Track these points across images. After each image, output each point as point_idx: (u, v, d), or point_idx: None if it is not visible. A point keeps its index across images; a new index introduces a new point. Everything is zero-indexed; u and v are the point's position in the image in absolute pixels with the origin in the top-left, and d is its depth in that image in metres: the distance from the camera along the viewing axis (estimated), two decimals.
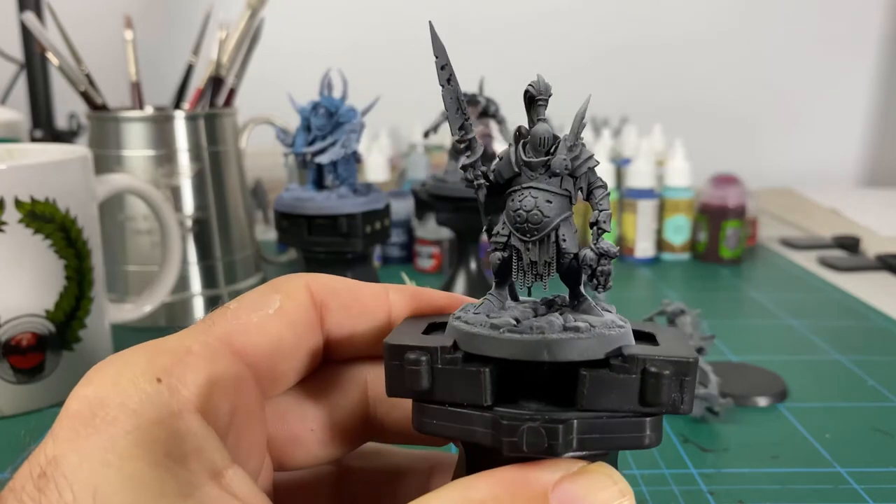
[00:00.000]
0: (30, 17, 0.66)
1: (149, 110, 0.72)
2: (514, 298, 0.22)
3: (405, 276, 0.51)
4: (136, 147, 0.66)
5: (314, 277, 0.22)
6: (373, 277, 0.57)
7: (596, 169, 0.21)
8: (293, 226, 0.53)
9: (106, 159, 0.65)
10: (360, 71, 0.71)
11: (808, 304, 0.72)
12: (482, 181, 0.22)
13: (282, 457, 0.23)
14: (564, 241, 0.21)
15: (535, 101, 0.22)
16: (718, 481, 0.41)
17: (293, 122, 0.56)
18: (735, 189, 0.87)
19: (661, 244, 0.89)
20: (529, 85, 0.22)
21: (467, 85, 0.55)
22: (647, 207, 0.87)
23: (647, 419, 0.19)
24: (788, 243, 0.95)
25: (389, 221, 0.56)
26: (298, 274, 0.22)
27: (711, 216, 0.86)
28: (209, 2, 0.74)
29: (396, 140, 1.25)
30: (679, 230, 0.88)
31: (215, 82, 0.70)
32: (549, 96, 0.22)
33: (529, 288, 0.22)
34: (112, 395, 0.18)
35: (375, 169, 0.94)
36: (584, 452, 0.19)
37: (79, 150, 0.54)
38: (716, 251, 0.87)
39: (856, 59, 1.41)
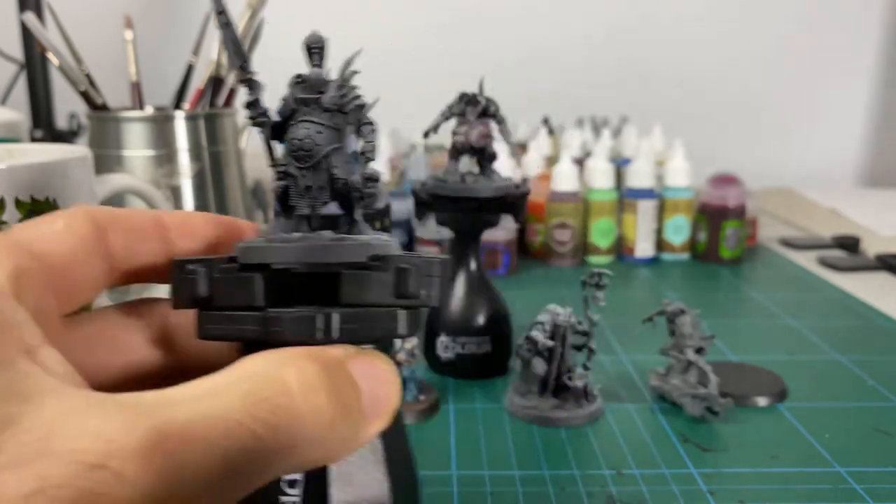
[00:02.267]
0: (30, 17, 0.66)
1: (149, 110, 0.72)
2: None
3: None
4: (137, 147, 0.66)
5: (90, 206, 0.23)
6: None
7: (366, 110, 0.24)
8: None
9: (106, 159, 0.65)
10: (360, 71, 0.71)
11: (808, 304, 0.72)
12: (265, 119, 0.24)
13: (90, 379, 0.23)
14: (336, 168, 0.23)
15: (309, 49, 0.24)
16: (718, 481, 0.41)
17: None
18: (735, 189, 0.87)
19: (660, 244, 0.89)
20: (306, 37, 0.24)
21: (467, 85, 0.55)
22: (646, 207, 0.87)
23: (401, 312, 0.21)
24: (788, 243, 0.95)
25: (390, 221, 0.56)
26: (76, 205, 0.24)
27: (711, 216, 0.86)
28: (209, 2, 0.74)
29: (396, 140, 1.25)
30: (679, 230, 0.88)
31: (215, 82, 0.70)
32: (322, 46, 0.24)
33: (308, 216, 0.24)
34: None
35: (375, 164, 0.94)
36: (347, 343, 0.21)
37: (79, 150, 0.54)
38: (715, 251, 0.87)
39: (855, 59, 1.41)
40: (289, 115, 0.24)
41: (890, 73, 1.41)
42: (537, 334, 0.48)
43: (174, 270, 0.22)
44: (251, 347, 0.20)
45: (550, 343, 0.48)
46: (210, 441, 0.16)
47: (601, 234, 0.87)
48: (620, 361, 0.58)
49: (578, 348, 0.50)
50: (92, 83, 0.68)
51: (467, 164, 0.57)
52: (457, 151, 0.54)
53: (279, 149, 0.25)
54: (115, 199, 0.63)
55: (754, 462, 0.43)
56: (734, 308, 0.72)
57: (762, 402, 0.51)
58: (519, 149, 1.16)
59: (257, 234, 0.26)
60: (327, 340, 0.20)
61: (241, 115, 0.74)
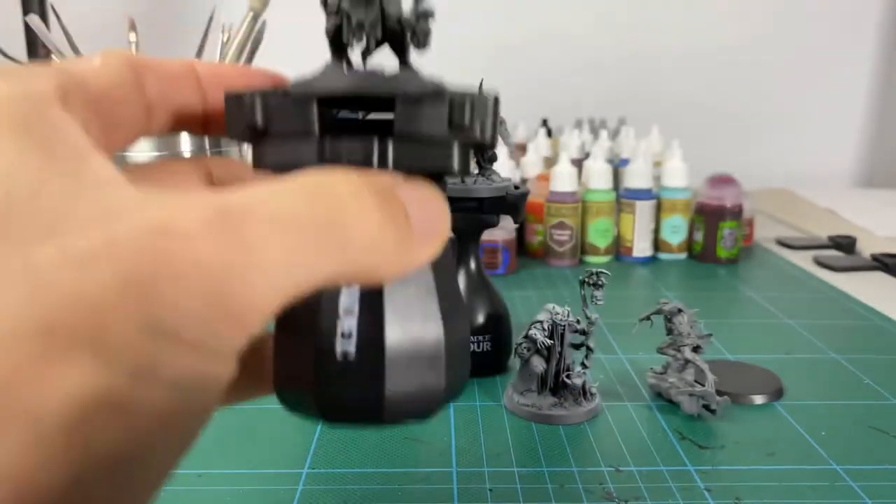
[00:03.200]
0: (34, 19, 0.66)
1: None
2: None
3: None
4: (139, 148, 0.66)
5: (126, 50, 0.23)
6: None
7: None
8: None
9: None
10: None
11: (805, 304, 0.72)
12: None
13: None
14: (389, 2, 0.22)
15: None
16: (715, 478, 0.42)
17: None
18: (732, 189, 0.87)
19: (658, 244, 0.90)
20: None
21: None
22: (644, 208, 0.87)
23: (455, 145, 0.21)
24: (785, 243, 0.96)
25: None
26: (111, 48, 0.23)
27: (708, 216, 0.87)
28: (212, 5, 0.75)
29: None
30: (676, 230, 0.89)
31: None
32: None
33: (366, 49, 0.23)
34: None
35: None
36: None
37: None
38: (712, 251, 0.87)
39: (852, 60, 1.41)
40: None
41: (886, 74, 1.41)
42: (536, 333, 0.48)
43: (228, 102, 0.22)
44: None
45: (549, 342, 0.48)
46: (273, 222, 0.16)
47: (599, 234, 0.88)
48: (618, 360, 0.59)
49: (577, 347, 0.50)
50: None
51: None
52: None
53: None
54: None
55: (751, 459, 0.44)
56: (731, 307, 0.73)
57: (759, 400, 0.51)
58: (518, 150, 1.16)
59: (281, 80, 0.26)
60: (381, 169, 0.20)
61: None
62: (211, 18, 0.75)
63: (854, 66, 1.42)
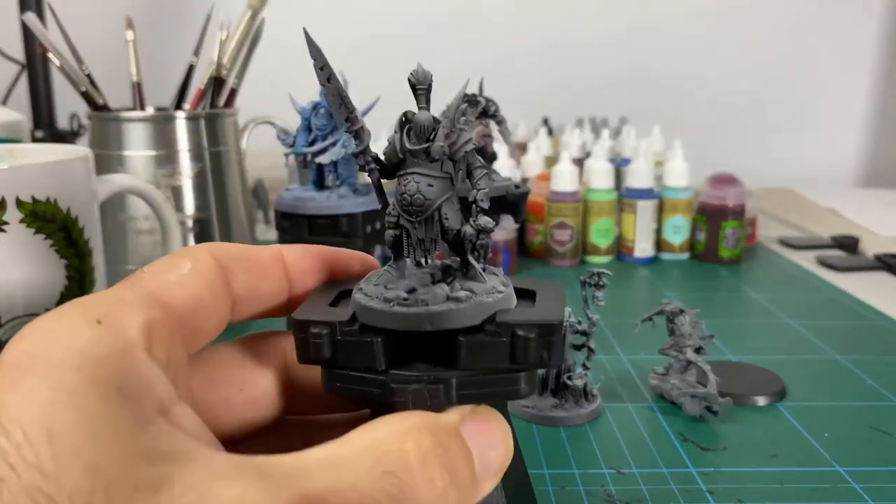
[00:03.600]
0: (31, 17, 0.66)
1: (150, 111, 0.72)
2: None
3: None
4: (138, 147, 0.66)
5: (215, 245, 0.24)
6: None
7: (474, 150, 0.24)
8: (294, 226, 0.53)
9: (107, 159, 0.65)
10: (360, 71, 0.71)
11: (807, 304, 0.72)
12: (374, 166, 0.24)
13: (211, 421, 0.24)
14: (447, 219, 0.23)
15: (415, 89, 0.24)
16: (717, 480, 0.41)
17: (294, 123, 0.56)
18: (734, 189, 0.87)
19: (659, 244, 0.90)
20: (410, 74, 0.24)
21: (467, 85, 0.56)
22: (646, 207, 0.87)
23: (521, 374, 0.22)
24: (787, 243, 0.96)
25: None
26: (200, 245, 0.24)
27: (710, 216, 0.87)
28: (210, 2, 0.75)
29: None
30: (678, 230, 0.88)
31: (216, 83, 0.70)
32: (429, 85, 0.24)
33: (424, 259, 0.24)
34: (52, 341, 0.17)
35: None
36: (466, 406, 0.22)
37: (80, 150, 0.54)
38: (715, 251, 0.87)
39: (855, 59, 1.41)
40: (398, 161, 0.24)
41: (889, 73, 1.41)
42: None
43: (297, 329, 0.22)
44: (373, 402, 0.22)
45: None
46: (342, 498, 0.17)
47: (600, 233, 0.88)
48: (620, 361, 0.58)
49: (578, 348, 0.50)
50: (93, 83, 0.68)
51: None
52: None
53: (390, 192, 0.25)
54: (116, 199, 0.63)
55: (753, 461, 0.43)
56: (733, 308, 0.72)
57: (761, 401, 0.51)
58: (519, 149, 1.16)
59: (367, 266, 0.27)
60: (447, 404, 0.21)
61: (242, 115, 0.75)
62: (209, 16, 0.74)
63: (857, 66, 1.41)
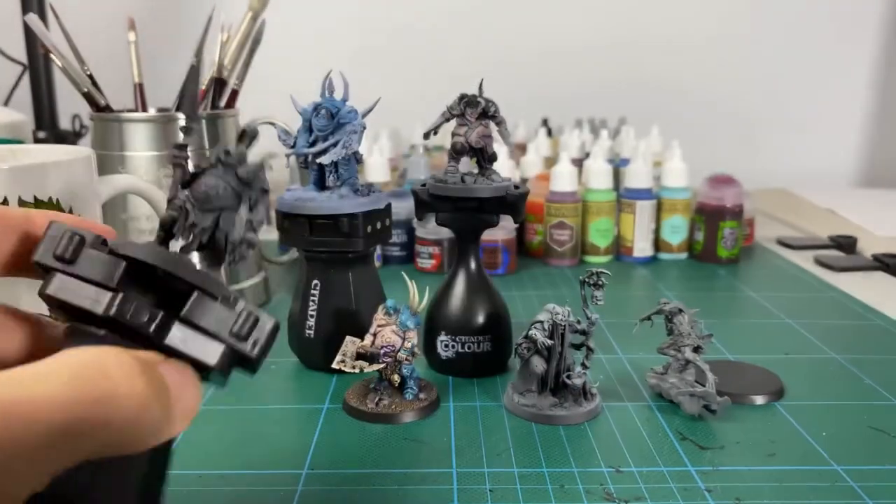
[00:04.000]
0: (33, 18, 0.66)
1: (151, 112, 0.72)
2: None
3: (406, 275, 0.52)
4: (139, 148, 0.66)
5: None
6: (373, 277, 0.57)
7: None
8: (294, 226, 0.54)
9: (109, 160, 0.66)
10: (361, 72, 0.71)
11: (805, 304, 0.72)
12: (182, 161, 0.26)
13: None
14: (224, 221, 0.26)
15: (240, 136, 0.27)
16: (716, 479, 0.42)
17: (295, 124, 0.57)
18: (732, 189, 0.87)
19: (658, 244, 0.90)
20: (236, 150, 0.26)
21: (466, 86, 0.56)
22: (644, 208, 0.87)
23: (223, 350, 0.23)
24: (785, 243, 0.96)
25: (390, 221, 0.57)
26: None
27: (709, 216, 0.87)
28: (211, 4, 0.75)
29: (397, 141, 1.26)
30: (676, 230, 0.89)
31: (217, 84, 0.71)
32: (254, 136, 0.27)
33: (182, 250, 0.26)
34: None
35: (376, 169, 0.95)
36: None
37: (82, 150, 0.54)
38: (713, 251, 0.87)
39: (852, 60, 1.41)
40: (205, 168, 0.26)
41: (886, 74, 1.41)
42: (536, 333, 0.48)
43: (48, 230, 0.24)
44: (78, 334, 0.23)
45: (549, 342, 0.48)
46: (31, 419, 0.17)
47: (599, 233, 0.88)
48: (619, 360, 0.59)
49: (577, 347, 0.50)
50: (95, 84, 0.69)
51: (467, 164, 0.58)
52: (456, 152, 0.55)
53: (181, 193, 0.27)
54: (118, 200, 0.63)
55: (751, 460, 0.44)
56: (731, 307, 0.73)
57: (759, 400, 0.51)
58: (518, 149, 1.16)
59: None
60: (157, 342, 0.23)
61: (243, 116, 0.75)
62: (210, 18, 0.75)
63: (854, 66, 1.42)
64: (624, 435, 0.47)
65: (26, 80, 1.08)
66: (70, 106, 1.07)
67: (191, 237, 0.26)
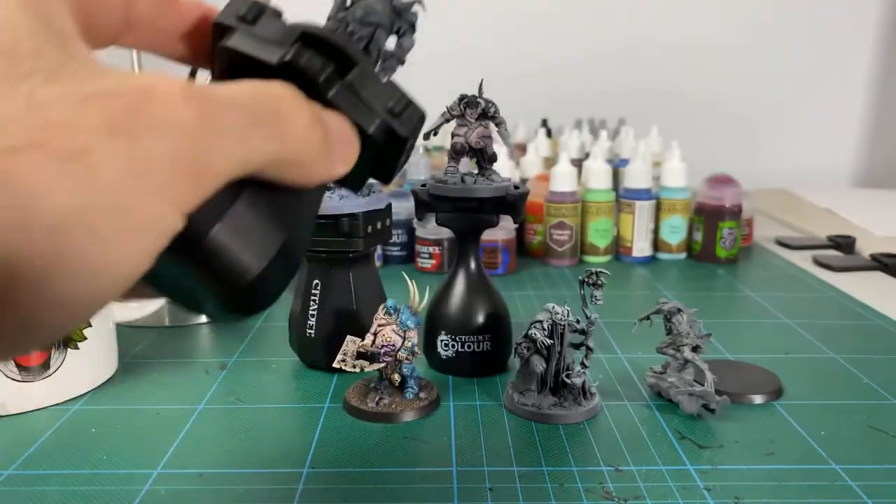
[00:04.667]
0: None
1: None
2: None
3: (406, 275, 0.52)
4: None
5: None
6: (374, 277, 0.58)
7: None
8: None
9: None
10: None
11: (804, 304, 0.72)
12: None
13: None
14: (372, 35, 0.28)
15: None
16: (714, 478, 0.42)
17: None
18: (731, 190, 0.88)
19: (657, 244, 0.90)
20: None
21: (466, 87, 0.56)
22: (643, 208, 0.88)
23: (379, 119, 0.25)
24: (784, 243, 0.96)
25: (391, 221, 0.57)
26: None
27: (708, 216, 0.87)
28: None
29: None
30: (675, 230, 0.89)
31: None
32: None
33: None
34: None
35: None
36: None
37: None
38: (712, 251, 0.87)
39: (851, 61, 1.42)
40: None
41: (884, 75, 1.42)
42: (536, 333, 0.48)
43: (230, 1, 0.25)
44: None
45: (549, 341, 0.48)
46: (232, 102, 0.19)
47: (599, 233, 0.88)
48: (618, 359, 0.59)
49: (576, 346, 0.50)
50: None
51: (467, 164, 0.58)
52: (456, 152, 0.55)
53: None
54: None
55: (750, 459, 0.44)
56: (730, 307, 0.73)
57: (758, 399, 0.51)
58: (518, 150, 1.16)
59: None
60: (321, 96, 0.24)
61: None
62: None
63: (853, 67, 1.42)
64: (623, 434, 0.47)
65: None
66: None
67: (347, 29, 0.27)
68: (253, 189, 0.21)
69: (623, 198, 0.89)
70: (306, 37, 0.24)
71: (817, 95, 1.42)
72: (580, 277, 0.49)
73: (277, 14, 0.25)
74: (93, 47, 0.23)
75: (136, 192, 0.17)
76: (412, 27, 0.29)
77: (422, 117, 0.25)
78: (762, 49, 1.40)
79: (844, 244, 0.93)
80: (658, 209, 0.89)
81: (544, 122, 1.28)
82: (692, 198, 0.90)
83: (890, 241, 0.96)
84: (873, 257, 0.87)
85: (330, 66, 0.24)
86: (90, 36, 0.23)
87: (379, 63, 0.28)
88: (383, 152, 0.26)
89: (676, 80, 1.40)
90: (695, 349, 0.50)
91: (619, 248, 0.90)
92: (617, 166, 1.01)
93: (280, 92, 0.21)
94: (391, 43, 0.28)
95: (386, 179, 0.27)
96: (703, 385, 0.49)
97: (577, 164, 0.97)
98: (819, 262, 0.87)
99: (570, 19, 1.38)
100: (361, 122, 0.24)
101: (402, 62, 0.28)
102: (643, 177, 0.88)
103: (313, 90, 0.24)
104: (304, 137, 0.21)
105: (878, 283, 0.81)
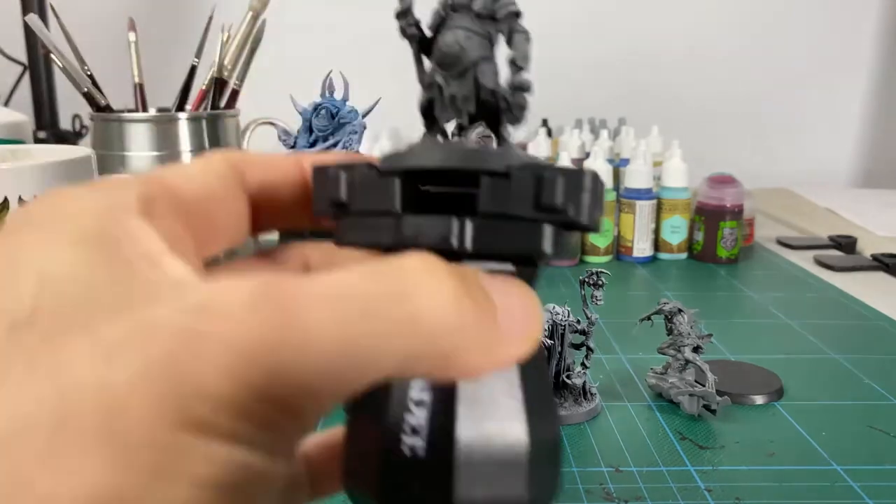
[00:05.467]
0: (34, 18, 0.67)
1: (152, 112, 0.72)
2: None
3: None
4: (140, 148, 0.66)
5: (228, 150, 0.23)
6: None
7: (518, 18, 0.22)
8: None
9: (109, 160, 0.66)
10: (361, 72, 0.71)
11: (805, 304, 0.72)
12: (414, 31, 0.22)
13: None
14: (483, 75, 0.21)
15: None
16: (715, 478, 0.42)
17: (295, 124, 0.57)
18: (732, 189, 0.87)
19: (658, 244, 0.90)
20: None
21: None
22: (644, 208, 0.87)
23: (545, 225, 0.18)
24: (785, 243, 0.96)
25: None
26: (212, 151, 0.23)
27: (708, 216, 0.87)
28: (212, 4, 0.75)
29: (397, 141, 1.26)
30: (676, 230, 0.89)
31: (218, 84, 0.71)
32: None
33: (458, 119, 0.22)
34: (48, 204, 0.17)
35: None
36: (484, 259, 0.19)
37: (82, 150, 0.55)
38: (713, 251, 0.87)
39: (852, 60, 1.41)
40: (438, 25, 0.22)
41: (886, 73, 1.41)
42: None
43: (315, 175, 0.21)
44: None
45: (549, 342, 0.48)
46: (326, 297, 0.15)
47: (599, 233, 0.88)
48: (618, 360, 0.59)
49: (577, 347, 0.50)
50: (95, 85, 0.69)
51: None
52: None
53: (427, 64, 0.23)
54: None
55: (751, 460, 0.44)
56: (731, 307, 0.73)
57: (759, 400, 0.51)
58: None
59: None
60: (461, 251, 0.18)
61: (244, 116, 0.75)
62: (211, 18, 0.75)
63: (854, 66, 1.42)
64: (624, 435, 0.47)
65: (27, 80, 1.08)
66: (70, 106, 1.07)
67: (454, 111, 0.22)
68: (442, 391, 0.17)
69: (624, 197, 0.89)
70: (410, 178, 0.19)
71: (819, 95, 1.42)
72: (580, 278, 0.49)
73: (365, 167, 0.20)
74: (216, 252, 0.21)
75: (195, 446, 0.13)
76: (515, 15, 0.22)
77: (594, 180, 0.19)
78: (763, 49, 1.40)
79: (846, 244, 0.93)
80: (659, 209, 0.89)
81: (544, 122, 1.27)
82: (693, 198, 0.90)
83: (891, 241, 0.96)
84: (875, 257, 0.87)
85: (452, 224, 0.18)
86: (209, 243, 0.21)
87: (504, 114, 0.22)
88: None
89: (677, 79, 1.39)
90: (696, 349, 0.50)
91: (619, 248, 0.90)
92: (617, 166, 1.01)
93: (407, 267, 0.16)
94: (503, 62, 0.22)
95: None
96: (704, 386, 0.49)
97: (578, 163, 0.97)
98: (820, 262, 0.87)
99: (571, 19, 1.38)
100: (527, 249, 0.19)
101: (524, 67, 0.22)
102: (644, 176, 0.88)
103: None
104: (446, 320, 0.15)
105: (880, 283, 0.81)
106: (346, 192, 0.20)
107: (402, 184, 0.19)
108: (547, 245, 0.18)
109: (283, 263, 0.24)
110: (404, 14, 0.22)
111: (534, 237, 0.18)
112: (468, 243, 0.18)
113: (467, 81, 0.21)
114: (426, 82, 0.22)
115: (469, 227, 0.18)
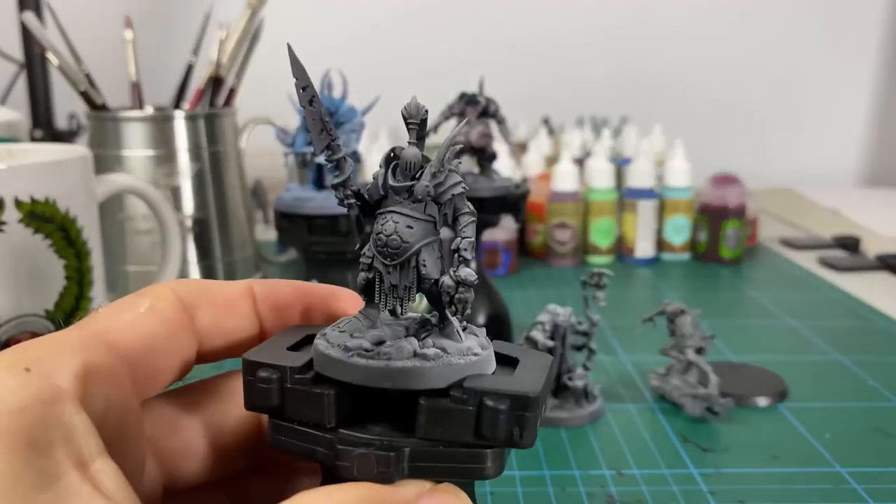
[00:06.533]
0: (30, 16, 0.66)
1: (149, 110, 0.72)
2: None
3: None
4: (136, 147, 0.66)
5: (180, 282, 0.23)
6: None
7: (462, 195, 0.22)
8: (293, 226, 0.53)
9: (106, 159, 0.65)
10: (359, 71, 0.71)
11: (809, 305, 0.72)
12: (353, 201, 0.22)
13: (176, 469, 0.23)
14: (425, 266, 0.21)
15: (407, 123, 0.22)
16: (719, 481, 0.41)
17: (293, 122, 0.56)
18: (735, 189, 0.87)
19: (661, 244, 0.89)
20: (403, 108, 0.22)
21: (467, 85, 0.55)
22: (646, 207, 0.87)
23: (487, 451, 0.19)
24: (788, 243, 0.95)
25: None
26: (164, 282, 0.23)
27: (711, 216, 0.86)
28: (209, 2, 0.74)
29: (396, 140, 1.25)
30: (679, 230, 0.88)
31: (215, 82, 0.70)
32: (422, 120, 0.22)
33: (398, 308, 0.22)
34: None
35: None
36: (421, 480, 0.19)
37: (79, 149, 0.54)
38: (716, 251, 0.87)
39: (856, 59, 1.41)
40: (379, 199, 0.22)
41: (890, 72, 1.41)
42: (537, 334, 0.48)
43: (247, 371, 0.21)
44: (320, 464, 0.20)
45: (550, 343, 0.48)
46: None
47: (601, 233, 0.87)
48: (621, 361, 0.58)
49: (578, 348, 0.50)
50: (92, 83, 0.68)
51: (467, 163, 0.57)
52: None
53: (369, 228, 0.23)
54: (115, 199, 0.63)
55: (755, 462, 0.43)
56: (734, 308, 0.72)
57: (762, 402, 0.51)
58: (519, 149, 1.16)
59: (353, 302, 0.24)
60: (397, 476, 0.19)
61: (241, 114, 0.74)
62: (208, 16, 0.74)
63: (858, 65, 1.41)
64: (626, 437, 0.46)
65: (23, 78, 1.08)
66: (67, 105, 1.06)
67: (397, 302, 0.21)
68: None
69: (626, 197, 0.88)
70: (343, 390, 0.20)
71: (823, 94, 1.41)
72: (582, 278, 0.49)
73: (299, 369, 0.20)
74: (157, 390, 0.22)
75: None
76: (461, 199, 0.22)
77: (534, 405, 0.19)
78: (767, 48, 1.39)
79: (850, 244, 0.93)
80: (661, 209, 0.88)
81: (546, 121, 1.27)
82: (696, 197, 0.89)
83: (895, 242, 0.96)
84: (879, 258, 0.86)
85: (389, 457, 0.19)
86: (151, 384, 0.21)
87: (447, 307, 0.21)
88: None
89: (680, 78, 1.39)
90: (699, 351, 0.50)
91: (621, 249, 0.89)
92: (619, 165, 1.00)
93: (344, 497, 0.17)
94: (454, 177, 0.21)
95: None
96: (707, 387, 0.48)
97: (579, 163, 0.96)
98: (824, 263, 0.87)
99: (572, 18, 1.37)
100: (467, 475, 0.19)
101: (469, 259, 0.21)
102: (646, 176, 0.88)
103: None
104: None
105: (884, 283, 0.80)
106: (279, 399, 0.20)
107: (337, 396, 0.19)
108: (489, 470, 0.19)
109: (234, 395, 0.24)
110: (342, 185, 0.22)
111: (473, 465, 0.19)
112: (405, 472, 0.19)
113: (408, 271, 0.21)
114: (366, 263, 0.21)
115: (405, 453, 0.19)
